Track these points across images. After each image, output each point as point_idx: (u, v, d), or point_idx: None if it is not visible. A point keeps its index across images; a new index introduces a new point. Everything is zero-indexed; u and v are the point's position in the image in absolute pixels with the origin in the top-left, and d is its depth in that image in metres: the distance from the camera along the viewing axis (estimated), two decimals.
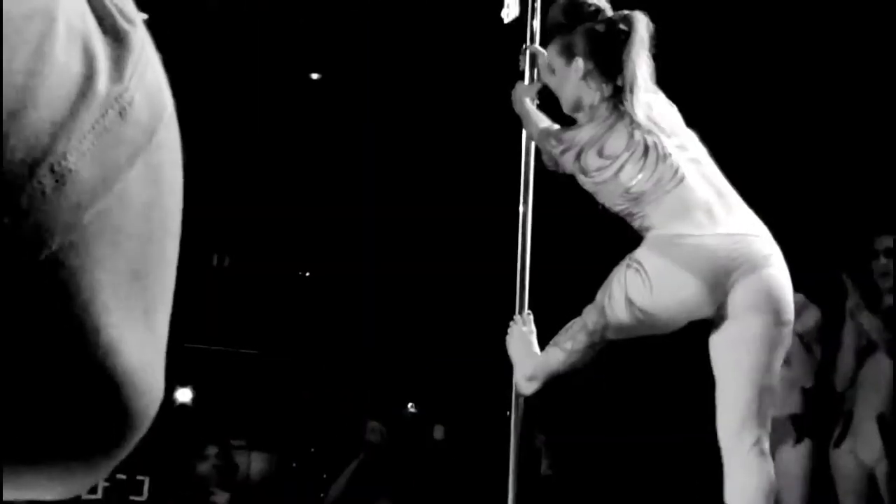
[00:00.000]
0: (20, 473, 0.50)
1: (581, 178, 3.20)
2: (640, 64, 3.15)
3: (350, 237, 8.37)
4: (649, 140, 3.07)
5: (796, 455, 5.09)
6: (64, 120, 0.47)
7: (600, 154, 3.11)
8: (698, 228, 3.01)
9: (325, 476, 7.14)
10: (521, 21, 3.63)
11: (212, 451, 6.00)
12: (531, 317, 3.49)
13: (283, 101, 7.85)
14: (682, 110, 3.22)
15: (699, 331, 3.10)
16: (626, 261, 3.09)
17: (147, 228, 0.52)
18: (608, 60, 3.17)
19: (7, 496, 0.51)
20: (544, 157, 3.42)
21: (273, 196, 8.22)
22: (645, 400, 6.55)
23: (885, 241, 4.92)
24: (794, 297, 5.07)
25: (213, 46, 7.05)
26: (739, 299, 3.00)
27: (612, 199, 3.16)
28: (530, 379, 3.34)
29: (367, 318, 8.44)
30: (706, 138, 3.20)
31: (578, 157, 3.15)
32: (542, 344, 3.40)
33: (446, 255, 7.55)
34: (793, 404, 5.15)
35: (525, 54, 3.54)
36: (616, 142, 3.10)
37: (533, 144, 3.51)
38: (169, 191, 0.54)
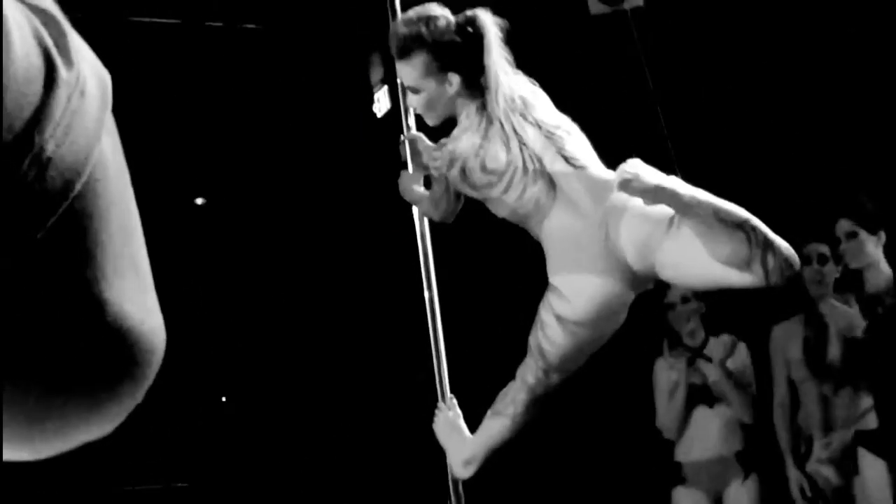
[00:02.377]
0: (70, 417, 0.58)
1: (470, 192, 3.21)
2: (500, 61, 3.15)
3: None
4: (525, 153, 3.07)
5: (745, 492, 5.14)
6: (35, 115, 0.51)
7: (483, 169, 3.10)
8: (580, 231, 3.01)
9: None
10: (393, 112, 3.66)
11: None
12: (455, 401, 3.48)
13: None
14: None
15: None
16: (547, 291, 3.09)
17: (124, 191, 0.58)
18: (471, 66, 3.15)
19: (65, 442, 0.60)
20: (444, 211, 3.38)
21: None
22: (590, 474, 6.54)
23: (818, 248, 4.92)
24: (723, 337, 5.19)
25: None
26: (626, 244, 2.97)
27: (502, 213, 3.17)
28: (468, 463, 3.31)
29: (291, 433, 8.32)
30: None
31: (463, 171, 3.14)
32: (471, 426, 3.39)
33: (359, 350, 7.50)
34: (735, 442, 5.20)
35: (404, 143, 3.55)
36: (496, 154, 3.09)
37: (427, 228, 3.54)
38: (122, 158, 0.59)
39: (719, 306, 5.36)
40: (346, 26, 6.85)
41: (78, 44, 0.56)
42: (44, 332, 0.53)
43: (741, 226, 2.73)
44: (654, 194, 2.76)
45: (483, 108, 3.14)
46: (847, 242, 4.73)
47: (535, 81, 3.24)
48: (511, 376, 3.23)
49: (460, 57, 3.16)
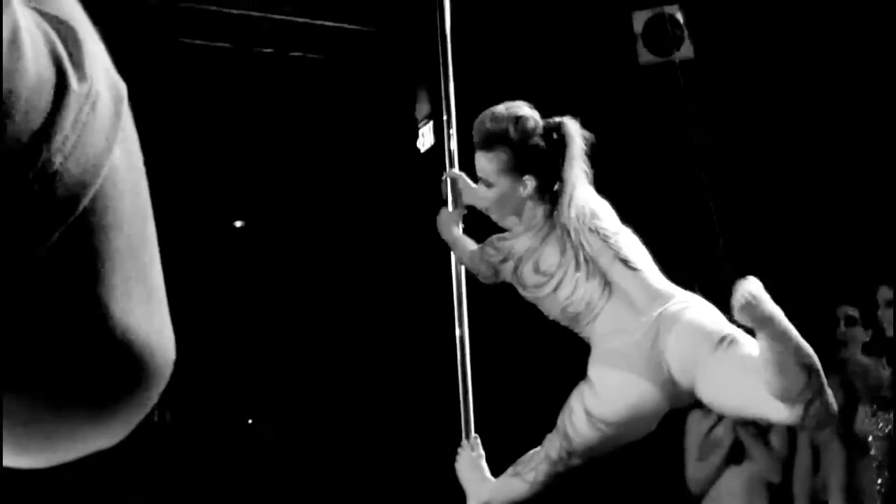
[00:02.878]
0: (76, 428, 0.59)
1: (521, 291, 3.22)
2: (579, 174, 3.14)
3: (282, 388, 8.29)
4: (580, 255, 3.09)
5: None
6: (43, 126, 0.51)
7: (536, 270, 3.12)
8: (630, 333, 3.03)
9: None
10: (436, 148, 3.66)
11: None
12: (478, 440, 3.47)
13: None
14: None
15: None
16: (583, 381, 3.10)
17: (136, 206, 0.58)
18: (549, 173, 3.16)
19: (75, 451, 0.61)
20: (480, 273, 3.36)
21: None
22: None
23: (846, 310, 4.92)
24: None
25: None
26: (672, 356, 2.97)
27: (553, 313, 3.18)
28: None
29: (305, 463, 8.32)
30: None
31: (516, 269, 3.16)
32: (492, 467, 3.38)
33: (386, 388, 7.49)
34: (759, 501, 5.14)
35: (446, 181, 3.54)
36: (550, 257, 3.11)
37: (463, 268, 3.52)
38: (140, 173, 0.59)
39: None
40: (395, 59, 6.90)
41: (94, 54, 0.55)
42: (46, 342, 0.54)
43: (808, 367, 2.72)
44: (768, 324, 2.70)
45: (549, 214, 3.14)
46: (885, 310, 4.71)
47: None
48: (536, 424, 3.24)
49: (540, 161, 3.16)
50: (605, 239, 3.10)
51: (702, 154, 5.50)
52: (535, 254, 3.13)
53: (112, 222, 0.55)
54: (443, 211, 3.50)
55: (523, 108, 3.20)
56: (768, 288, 2.72)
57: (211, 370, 7.23)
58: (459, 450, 3.45)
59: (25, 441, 0.58)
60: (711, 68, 6.16)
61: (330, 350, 7.53)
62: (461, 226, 3.48)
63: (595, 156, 3.20)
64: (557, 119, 3.19)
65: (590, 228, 3.10)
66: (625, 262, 3.10)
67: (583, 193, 3.14)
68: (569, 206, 3.09)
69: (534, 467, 3.18)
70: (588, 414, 3.03)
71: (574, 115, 3.22)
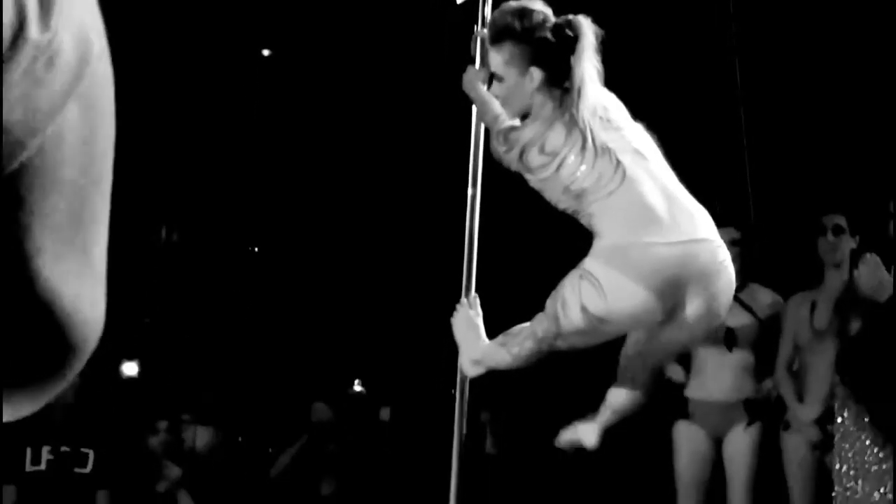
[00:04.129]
0: None
1: (527, 176, 3.24)
2: (589, 68, 3.16)
3: (294, 214, 8.36)
4: (588, 135, 3.10)
5: (745, 438, 5.19)
6: None
7: (542, 150, 3.14)
8: (646, 236, 3.05)
9: (270, 451, 7.15)
10: (471, 3, 3.62)
11: (162, 425, 5.98)
12: (477, 300, 3.52)
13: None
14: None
15: None
16: (578, 270, 3.12)
17: (85, 164, 0.54)
18: (558, 67, 3.17)
19: None
20: (492, 147, 3.41)
21: (217, 168, 8.18)
22: (592, 380, 6.59)
23: (834, 219, 5.03)
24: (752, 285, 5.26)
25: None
26: (693, 312, 3.11)
27: (556, 196, 3.19)
28: (476, 363, 3.39)
29: (312, 296, 8.44)
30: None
31: (521, 155, 3.18)
32: (489, 328, 3.44)
33: (393, 235, 7.56)
34: (747, 389, 5.25)
35: (476, 40, 3.53)
36: (556, 138, 3.13)
37: (483, 127, 3.53)
38: (102, 123, 0.56)
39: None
40: None
41: (68, 8, 0.52)
42: None
43: None
44: None
45: (557, 102, 3.16)
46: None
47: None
48: (536, 294, 3.27)
49: (548, 55, 3.18)
50: (618, 129, 3.14)
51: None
52: (540, 138, 3.14)
53: (49, 183, 0.52)
54: (469, 68, 3.50)
55: (534, 3, 3.22)
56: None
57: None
58: (458, 306, 3.51)
59: None
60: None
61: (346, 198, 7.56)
62: (486, 85, 3.48)
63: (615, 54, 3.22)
64: (571, 16, 3.19)
65: (601, 117, 3.12)
66: (638, 152, 3.12)
67: (593, 88, 3.16)
68: (579, 98, 3.11)
69: (519, 342, 3.24)
70: (584, 309, 3.06)
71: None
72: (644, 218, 3.06)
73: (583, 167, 3.09)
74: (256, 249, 9.05)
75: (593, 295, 3.05)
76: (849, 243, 5.01)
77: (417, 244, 7.19)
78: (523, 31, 3.20)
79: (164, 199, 8.28)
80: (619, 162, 3.09)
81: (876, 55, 6.10)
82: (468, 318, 3.47)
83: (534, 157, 3.15)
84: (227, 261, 8.88)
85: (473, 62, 3.52)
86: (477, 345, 3.41)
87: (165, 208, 8.66)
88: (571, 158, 3.10)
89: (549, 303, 3.17)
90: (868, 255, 4.69)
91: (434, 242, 6.14)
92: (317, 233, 8.24)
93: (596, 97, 3.17)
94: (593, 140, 3.09)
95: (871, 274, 4.66)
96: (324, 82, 7.64)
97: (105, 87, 0.56)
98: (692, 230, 3.08)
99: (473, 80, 3.46)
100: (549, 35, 3.18)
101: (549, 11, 3.22)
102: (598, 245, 3.12)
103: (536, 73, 3.20)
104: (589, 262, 3.11)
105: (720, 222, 3.27)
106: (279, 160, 8.11)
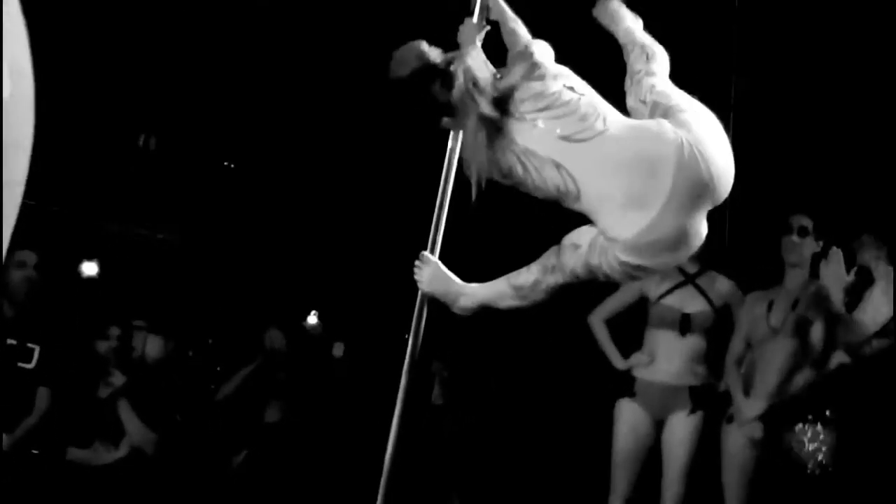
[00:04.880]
0: None
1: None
2: (469, 52, 3.16)
3: (275, 133, 8.31)
4: (516, 164, 3.07)
5: (687, 425, 5.24)
6: None
7: (503, 176, 3.12)
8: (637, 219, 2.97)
9: (218, 370, 7.15)
10: None
11: (114, 332, 5.94)
12: (428, 254, 3.48)
13: None
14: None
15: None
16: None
17: None
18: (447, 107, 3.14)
19: None
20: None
21: (199, 82, 8.11)
22: (549, 339, 6.61)
23: (801, 220, 5.06)
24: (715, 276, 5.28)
25: None
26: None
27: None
28: (468, 297, 3.34)
29: (284, 221, 8.42)
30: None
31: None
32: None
33: (371, 175, 7.54)
34: (696, 376, 5.31)
35: None
36: (504, 163, 3.09)
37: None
38: None
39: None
40: None
41: None
42: None
43: None
44: None
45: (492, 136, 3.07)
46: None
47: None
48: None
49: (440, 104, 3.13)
50: (543, 124, 3.06)
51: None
52: (496, 164, 3.09)
53: None
54: (467, 21, 3.46)
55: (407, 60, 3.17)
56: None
57: None
58: (419, 264, 3.46)
59: None
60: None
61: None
62: (481, 39, 3.45)
63: None
64: (444, 55, 3.17)
65: (526, 118, 3.07)
66: (566, 139, 3.04)
67: (479, 58, 3.15)
68: (498, 135, 3.05)
69: (523, 272, 3.19)
70: (622, 263, 3.00)
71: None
72: (624, 206, 2.97)
73: (538, 185, 3.07)
74: (232, 165, 9.01)
75: (627, 250, 2.99)
76: (811, 246, 5.04)
77: (394, 187, 7.16)
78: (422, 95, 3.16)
79: (145, 106, 8.20)
80: (558, 166, 3.03)
81: (853, 58, 6.14)
82: (439, 271, 3.42)
83: (505, 179, 3.12)
84: (202, 173, 8.83)
85: (471, 15, 3.49)
86: (461, 285, 3.36)
87: (146, 115, 8.58)
88: (527, 179, 3.07)
89: (563, 258, 3.13)
90: (834, 249, 4.70)
91: (410, 187, 6.14)
92: (295, 157, 8.21)
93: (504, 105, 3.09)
94: (524, 165, 3.05)
95: (836, 269, 4.67)
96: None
97: None
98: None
99: (470, 34, 3.39)
100: (433, 86, 3.14)
101: (429, 55, 3.19)
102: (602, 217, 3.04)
103: (449, 122, 3.20)
104: (606, 227, 3.03)
105: None
106: (261, 83, 8.06)
